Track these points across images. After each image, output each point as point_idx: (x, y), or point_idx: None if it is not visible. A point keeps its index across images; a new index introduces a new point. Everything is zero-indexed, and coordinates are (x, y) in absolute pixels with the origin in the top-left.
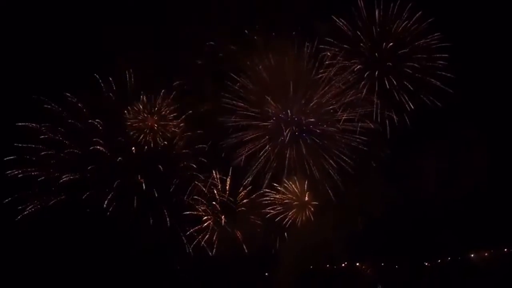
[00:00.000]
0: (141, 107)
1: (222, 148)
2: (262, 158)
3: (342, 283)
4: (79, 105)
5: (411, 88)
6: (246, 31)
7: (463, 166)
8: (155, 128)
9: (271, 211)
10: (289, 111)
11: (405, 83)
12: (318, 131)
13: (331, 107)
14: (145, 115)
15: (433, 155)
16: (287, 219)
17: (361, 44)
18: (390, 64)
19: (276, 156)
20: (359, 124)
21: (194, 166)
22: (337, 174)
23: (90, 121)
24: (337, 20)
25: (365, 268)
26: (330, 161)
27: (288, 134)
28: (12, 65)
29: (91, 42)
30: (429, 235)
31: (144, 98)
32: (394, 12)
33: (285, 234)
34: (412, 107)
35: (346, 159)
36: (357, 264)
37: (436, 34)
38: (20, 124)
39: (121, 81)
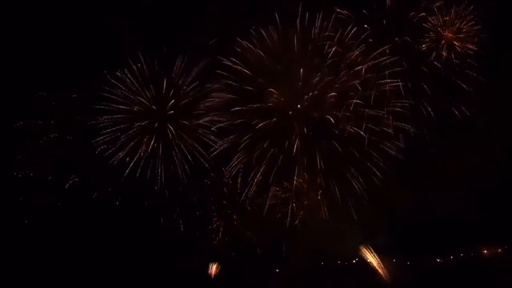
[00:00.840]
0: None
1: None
2: (271, 157)
3: (352, 280)
4: (87, 102)
5: (429, 92)
6: (253, 26)
7: (477, 162)
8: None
9: (283, 208)
10: (298, 105)
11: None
12: (336, 132)
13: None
14: (154, 107)
15: (448, 153)
16: (298, 216)
17: (370, 40)
18: (405, 65)
19: (285, 157)
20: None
21: (206, 165)
22: (356, 180)
23: (100, 119)
24: (341, 11)
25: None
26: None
27: (298, 138)
28: (20, 63)
29: (95, 39)
30: (441, 232)
31: (153, 92)
32: None
33: (296, 231)
34: (432, 113)
35: (373, 167)
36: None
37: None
38: (27, 122)
39: (127, 78)
